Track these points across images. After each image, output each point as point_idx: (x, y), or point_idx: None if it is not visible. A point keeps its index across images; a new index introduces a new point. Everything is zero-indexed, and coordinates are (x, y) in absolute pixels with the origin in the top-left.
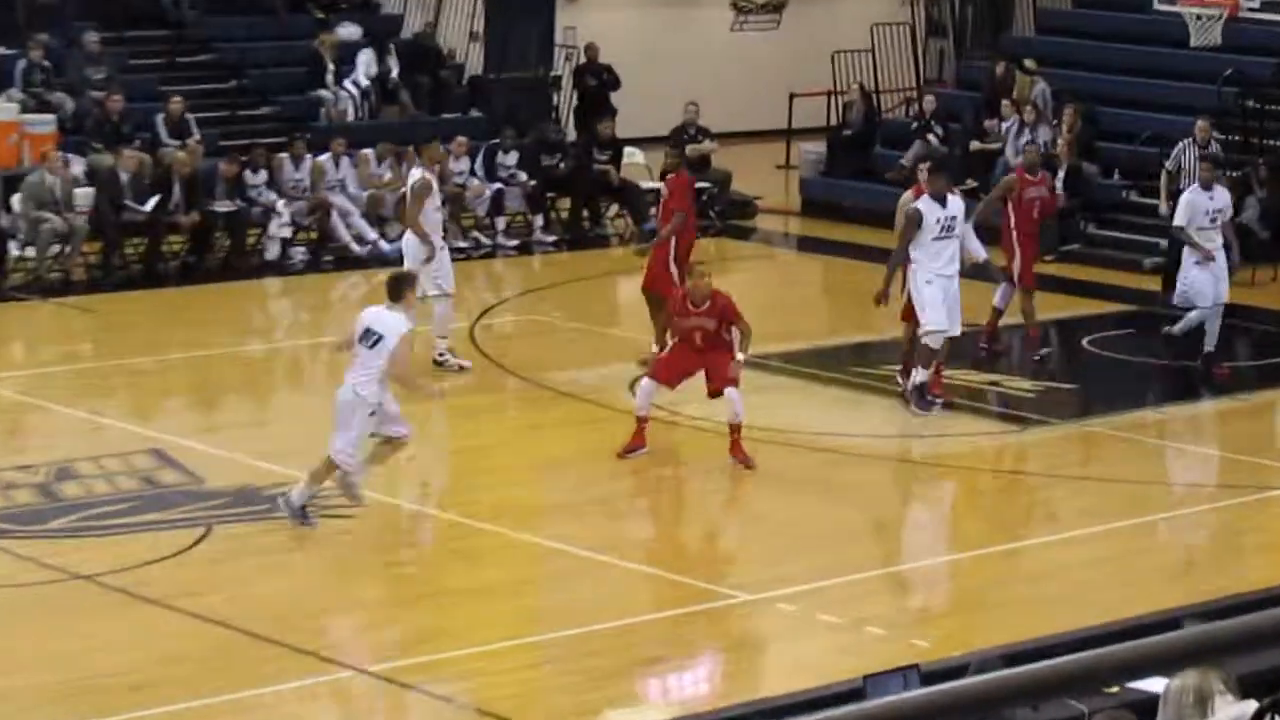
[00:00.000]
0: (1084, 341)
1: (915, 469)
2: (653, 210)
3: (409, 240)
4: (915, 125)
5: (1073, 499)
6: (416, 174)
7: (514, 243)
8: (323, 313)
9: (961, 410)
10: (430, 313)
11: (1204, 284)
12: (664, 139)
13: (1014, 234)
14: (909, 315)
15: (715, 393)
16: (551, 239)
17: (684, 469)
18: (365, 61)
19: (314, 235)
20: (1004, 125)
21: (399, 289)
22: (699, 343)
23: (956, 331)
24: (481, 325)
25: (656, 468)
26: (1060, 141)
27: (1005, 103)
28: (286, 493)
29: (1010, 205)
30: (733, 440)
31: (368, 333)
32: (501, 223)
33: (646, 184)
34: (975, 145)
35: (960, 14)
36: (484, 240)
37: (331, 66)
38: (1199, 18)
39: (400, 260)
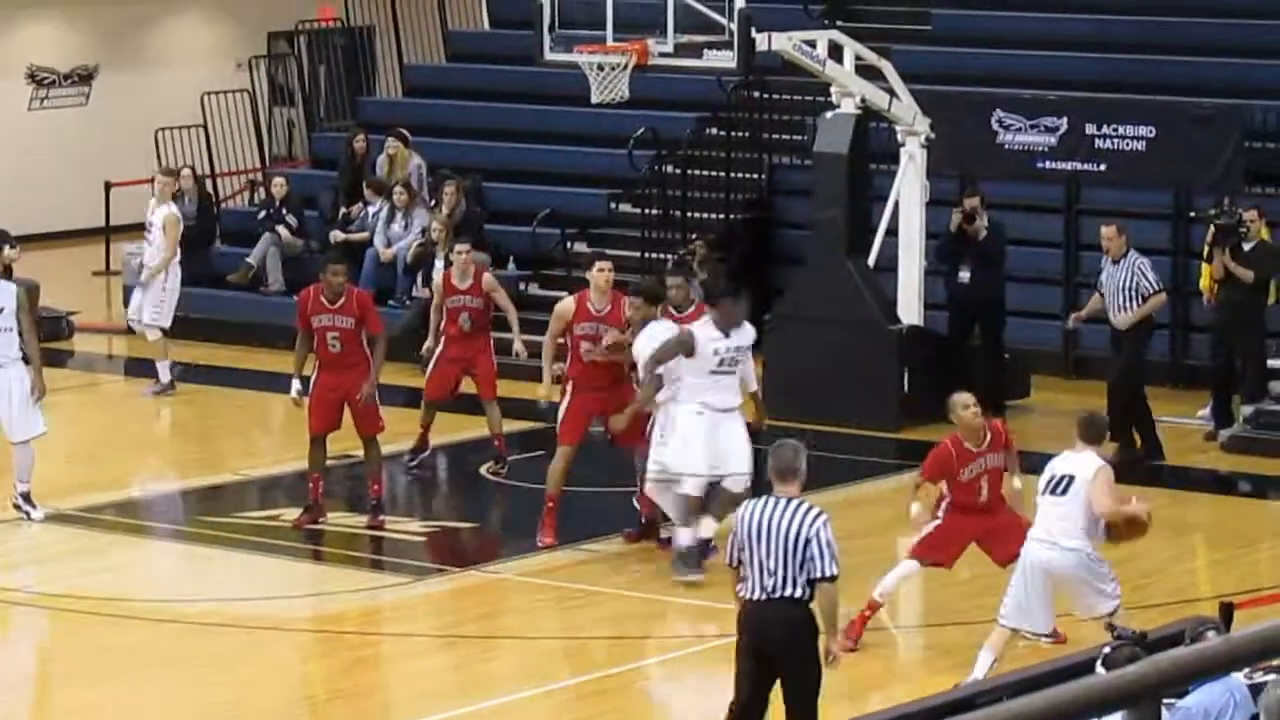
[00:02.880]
0: (482, 469)
1: (290, 637)
2: None
3: None
4: (263, 214)
5: (480, 663)
6: None
7: None
8: None
9: (335, 560)
10: None
11: None
12: None
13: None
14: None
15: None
16: None
17: None
18: None
19: None
20: (370, 210)
21: None
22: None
23: None
24: None
25: None
26: (438, 225)
27: (366, 183)
28: None
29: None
30: None
31: None
32: None
33: None
34: (336, 235)
35: (311, 77)
36: None
37: None
38: (600, 69)
39: None
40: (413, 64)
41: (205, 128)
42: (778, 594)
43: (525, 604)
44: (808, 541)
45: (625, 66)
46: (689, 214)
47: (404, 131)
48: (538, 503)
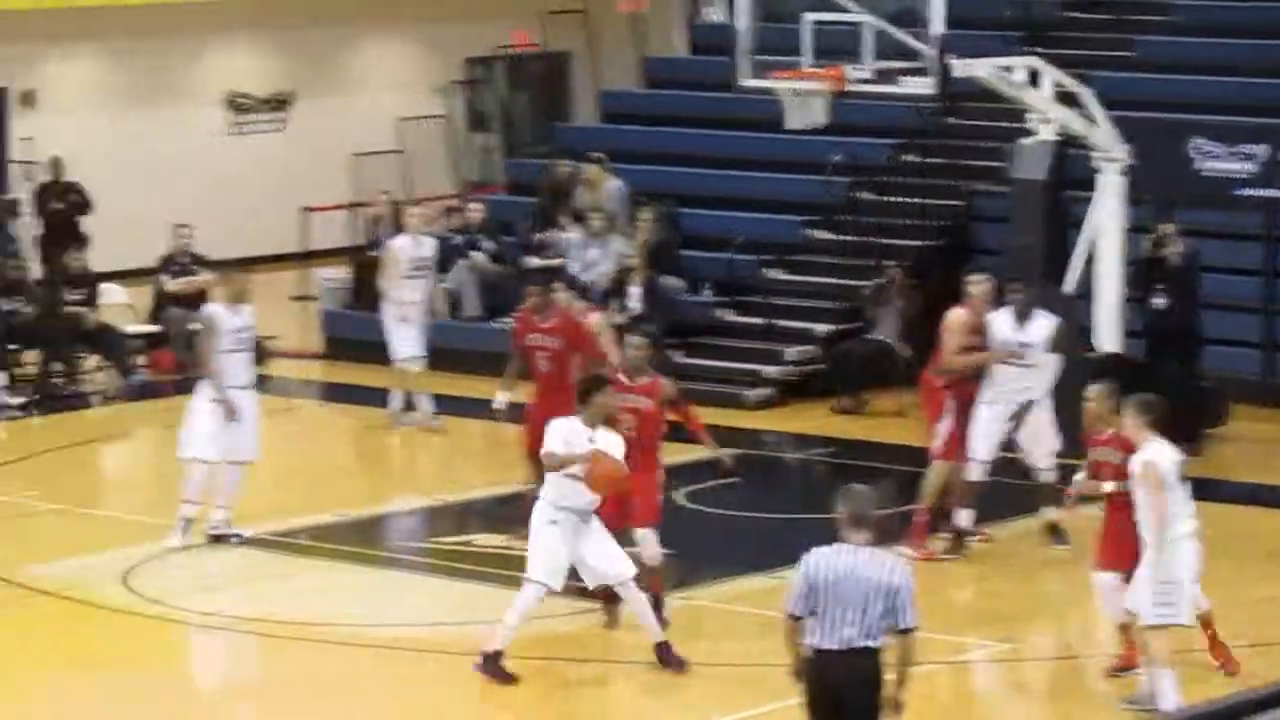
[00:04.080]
0: (678, 496)
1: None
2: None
3: None
4: (459, 240)
5: (676, 690)
6: None
7: None
8: None
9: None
10: None
11: None
12: (150, 271)
13: None
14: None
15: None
16: (18, 401)
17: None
18: None
19: None
20: (566, 236)
21: None
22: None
23: None
24: None
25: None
26: (634, 251)
27: (564, 209)
28: None
29: None
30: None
31: None
32: None
33: (132, 328)
34: (533, 262)
35: (508, 103)
36: None
37: None
38: (797, 94)
39: None
40: (610, 90)
41: (402, 153)
42: (857, 644)
43: (720, 630)
44: (895, 591)
45: (822, 93)
46: (884, 240)
47: (602, 156)
48: (732, 529)
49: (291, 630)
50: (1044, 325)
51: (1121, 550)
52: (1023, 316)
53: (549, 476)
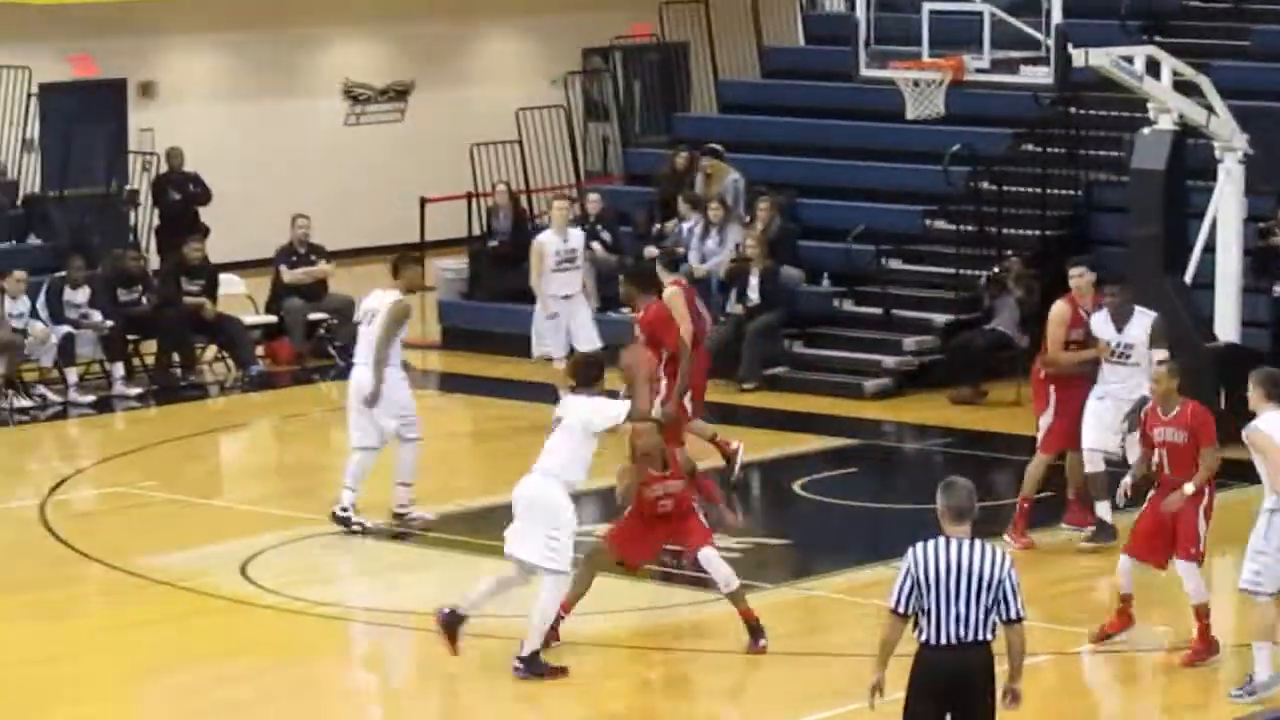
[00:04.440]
0: (795, 486)
1: (604, 652)
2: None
3: None
4: (578, 230)
5: (793, 680)
6: None
7: (89, 398)
8: None
9: (648, 576)
10: None
11: None
12: (268, 261)
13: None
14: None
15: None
16: (135, 391)
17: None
18: None
19: None
20: (684, 226)
21: None
22: None
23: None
24: (55, 501)
25: (287, 667)
26: (752, 241)
27: (682, 199)
28: None
29: None
30: None
31: None
32: (73, 374)
33: (250, 318)
34: (650, 251)
35: (626, 93)
36: (52, 397)
37: None
38: (916, 85)
39: None
40: (728, 80)
41: (520, 144)
42: (970, 638)
43: (837, 621)
44: (999, 583)
45: (941, 83)
46: (1003, 230)
47: (719, 148)
48: (850, 519)
49: (411, 621)
50: (1142, 324)
51: (1159, 540)
52: (1120, 318)
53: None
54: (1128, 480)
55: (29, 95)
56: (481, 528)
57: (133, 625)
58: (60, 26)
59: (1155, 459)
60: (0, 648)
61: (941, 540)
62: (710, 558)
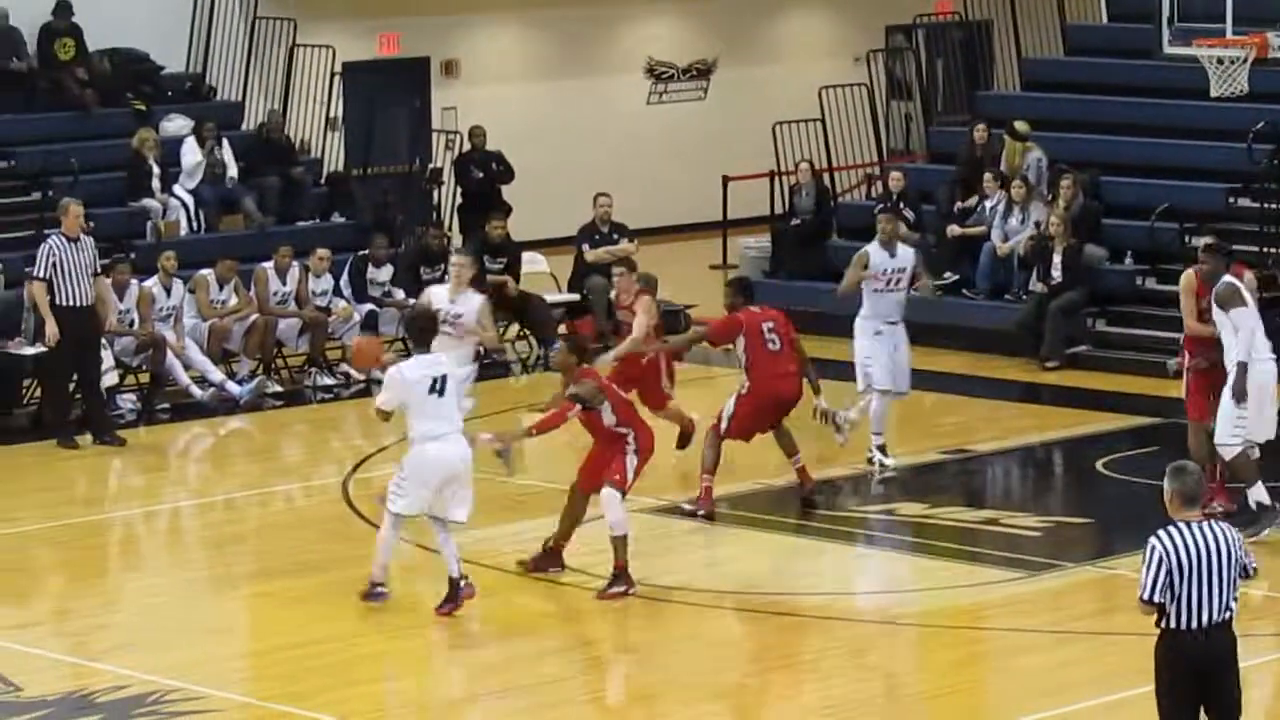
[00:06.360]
0: (1098, 464)
1: (901, 631)
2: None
3: None
4: (880, 208)
5: (1093, 660)
6: None
7: None
8: (158, 474)
9: (949, 555)
10: None
11: None
12: (570, 239)
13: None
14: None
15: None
16: None
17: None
18: (191, 159)
19: (145, 378)
20: (987, 204)
21: None
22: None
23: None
24: (358, 478)
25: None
26: (1055, 219)
27: (988, 176)
28: None
29: None
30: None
31: None
32: None
33: (553, 297)
34: (954, 230)
35: (929, 71)
36: (355, 374)
37: (156, 170)
38: (1220, 62)
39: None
40: (1031, 58)
41: (823, 122)
42: (1220, 619)
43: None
44: (1240, 558)
45: (1245, 60)
46: None
47: (1024, 126)
48: (1154, 498)
49: (709, 599)
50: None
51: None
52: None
53: None
54: None
55: (333, 74)
56: (784, 505)
57: (428, 601)
58: (364, 6)
59: None
60: (304, 624)
61: (1184, 526)
62: (611, 498)
